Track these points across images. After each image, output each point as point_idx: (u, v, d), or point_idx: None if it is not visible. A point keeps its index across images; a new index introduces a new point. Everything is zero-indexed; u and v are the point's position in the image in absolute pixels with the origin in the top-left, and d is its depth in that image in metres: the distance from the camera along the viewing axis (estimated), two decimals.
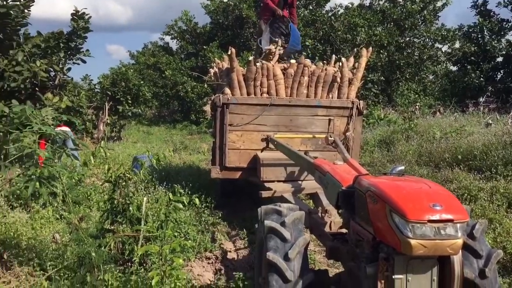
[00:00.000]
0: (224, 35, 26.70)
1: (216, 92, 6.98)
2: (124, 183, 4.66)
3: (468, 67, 21.99)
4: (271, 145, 6.11)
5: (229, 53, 6.08)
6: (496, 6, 17.86)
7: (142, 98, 19.00)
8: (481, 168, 8.10)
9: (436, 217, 2.37)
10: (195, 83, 24.27)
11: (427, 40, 25.15)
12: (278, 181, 5.88)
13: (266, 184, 5.79)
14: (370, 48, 6.67)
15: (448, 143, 9.87)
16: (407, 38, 25.09)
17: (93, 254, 4.08)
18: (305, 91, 6.34)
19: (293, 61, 6.36)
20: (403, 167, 3.25)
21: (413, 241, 2.36)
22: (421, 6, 25.18)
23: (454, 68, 25.23)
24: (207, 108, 6.50)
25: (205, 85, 8.65)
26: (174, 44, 31.03)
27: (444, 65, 25.73)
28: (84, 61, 11.17)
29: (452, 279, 2.55)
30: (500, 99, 15.92)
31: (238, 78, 6.19)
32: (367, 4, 27.50)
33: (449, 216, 2.38)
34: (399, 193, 2.55)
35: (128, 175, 4.74)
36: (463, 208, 2.51)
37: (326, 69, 6.31)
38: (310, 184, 5.74)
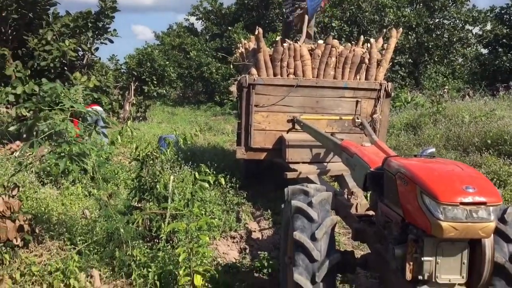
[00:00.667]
0: (249, 16, 26.53)
1: (241, 73, 6.96)
2: (151, 162, 4.72)
3: (500, 49, 21.40)
4: (297, 126, 6.07)
5: (256, 33, 6.03)
6: None
7: (167, 79, 19.12)
8: (511, 153, 7.92)
9: (468, 199, 2.33)
10: (219, 64, 24.26)
11: (457, 21, 24.49)
12: (303, 162, 5.87)
13: (291, 166, 5.78)
14: (400, 29, 6.52)
15: (477, 127, 9.65)
16: (437, 20, 24.49)
17: (122, 230, 4.17)
18: (332, 72, 6.27)
19: (320, 41, 6.28)
20: (433, 149, 3.19)
21: (444, 223, 2.33)
22: None
23: (484, 51, 24.59)
24: (233, 88, 6.49)
25: (230, 67, 8.58)
26: (199, 25, 31.04)
27: (474, 47, 25.07)
28: (111, 41, 11.23)
29: (483, 262, 2.51)
30: None
31: (264, 58, 6.15)
32: None
33: (482, 199, 2.34)
34: (430, 175, 2.51)
35: (155, 154, 4.79)
36: (496, 191, 2.46)
37: (354, 50, 6.20)
38: (335, 166, 5.71)
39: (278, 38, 6.17)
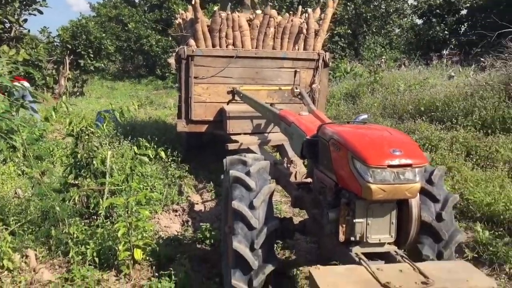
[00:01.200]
0: None
1: (180, 44, 6.81)
2: (87, 137, 4.57)
3: (433, 20, 22.18)
4: (237, 98, 6.07)
5: (193, 3, 5.90)
6: None
7: (104, 52, 18.44)
8: (442, 119, 8.32)
9: (395, 162, 2.43)
10: (159, 37, 23.65)
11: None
12: (245, 133, 5.89)
13: (233, 137, 5.79)
14: None
15: (411, 95, 10.05)
16: None
17: (57, 208, 4.04)
18: (271, 43, 6.26)
19: (259, 11, 6.24)
20: (366, 115, 3.30)
21: (373, 186, 2.42)
22: None
23: (419, 22, 25.40)
24: (172, 60, 6.36)
25: (170, 38, 8.37)
26: None
27: (410, 18, 25.87)
28: (41, 12, 10.65)
29: (410, 222, 2.65)
30: (463, 51, 16.17)
31: (202, 29, 6.04)
32: None
33: (408, 161, 2.45)
34: (360, 140, 2.59)
35: (91, 129, 4.64)
36: (422, 153, 2.58)
37: (292, 20, 6.22)
38: (276, 136, 5.78)
39: (216, 9, 6.06)
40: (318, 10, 6.64)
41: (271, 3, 9.19)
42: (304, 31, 6.21)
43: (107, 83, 22.50)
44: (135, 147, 5.16)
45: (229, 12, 6.17)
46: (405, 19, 25.75)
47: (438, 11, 22.18)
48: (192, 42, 6.09)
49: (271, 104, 5.05)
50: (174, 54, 6.38)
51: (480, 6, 19.42)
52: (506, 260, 3.87)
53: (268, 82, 6.34)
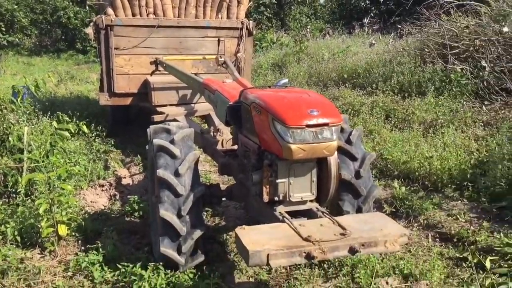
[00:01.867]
0: None
1: (99, 14, 6.52)
2: (0, 112, 4.31)
3: None
4: (161, 69, 5.94)
5: None
6: None
7: (17, 25, 17.25)
8: (363, 85, 8.66)
9: (313, 121, 2.52)
10: (78, 8, 22.39)
11: None
12: (171, 105, 5.80)
13: (159, 109, 5.69)
14: None
15: (335, 63, 10.35)
16: None
17: None
18: (193, 12, 6.15)
19: None
20: (286, 80, 3.36)
21: (293, 146, 2.50)
22: None
23: None
24: (89, 30, 6.07)
25: (89, 10, 7.99)
26: None
27: None
28: None
29: (329, 179, 2.78)
30: (383, 20, 16.77)
31: None
32: None
33: (325, 120, 2.54)
34: (280, 103, 2.65)
35: (4, 104, 4.38)
36: (338, 113, 2.69)
37: None
38: (203, 106, 5.76)
39: None
40: None
41: None
42: None
43: (23, 58, 21.08)
44: (54, 122, 4.95)
45: None
46: None
47: None
48: (110, 11, 5.84)
49: (196, 74, 5.00)
50: (92, 24, 6.09)
51: None
52: (420, 212, 4.18)
53: (192, 52, 6.25)
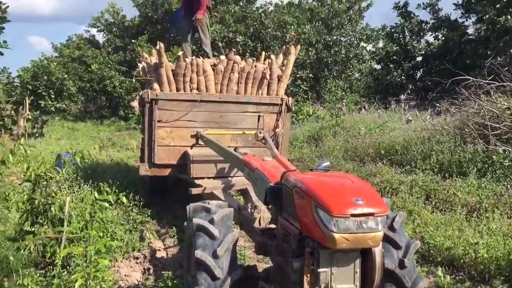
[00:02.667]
0: (154, 29, 26.04)
1: (145, 87, 6.82)
2: (45, 182, 4.43)
3: (391, 65, 23.06)
4: (201, 142, 6.06)
5: (157, 48, 5.95)
6: (416, 8, 18.85)
7: (66, 93, 18.19)
8: (402, 162, 8.55)
9: (358, 211, 2.47)
10: (123, 78, 23.51)
11: (353, 39, 26.16)
12: (208, 177, 5.86)
13: (196, 181, 5.75)
14: (298, 46, 6.81)
15: (372, 138, 10.32)
16: (334, 37, 25.92)
17: (11, 258, 3.85)
18: (235, 88, 6.35)
19: (222, 57, 6.35)
20: (328, 163, 3.35)
21: (337, 235, 2.44)
22: (347, 6, 26.16)
23: (377, 67, 26.37)
24: (135, 103, 6.32)
25: (134, 80, 8.39)
26: (100, 37, 29.83)
27: (369, 63, 26.86)
28: (1, 53, 10.43)
29: (373, 270, 2.67)
30: (419, 96, 16.84)
31: (167, 73, 6.08)
32: (296, 2, 28.16)
33: (370, 210, 2.49)
34: (323, 189, 2.62)
35: (50, 174, 4.51)
36: (383, 202, 2.63)
37: (255, 66, 6.35)
38: (240, 180, 5.77)
39: (180, 53, 6.14)
40: (281, 56, 6.83)
41: (234, 50, 9.23)
42: (268, 76, 6.35)
43: (68, 123, 22.02)
44: (95, 192, 5.03)
45: (194, 57, 6.25)
46: (364, 64, 26.78)
47: (395, 57, 23.09)
48: (156, 86, 6.11)
49: (235, 149, 5.06)
50: (137, 97, 6.36)
51: (434, 53, 20.39)
52: None
53: (232, 126, 6.39)
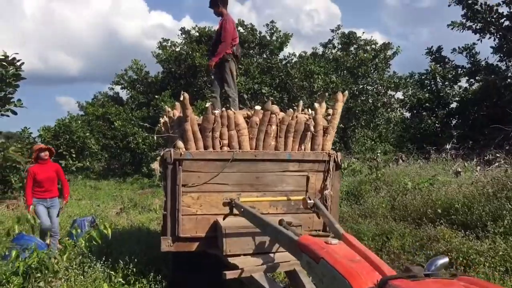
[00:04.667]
0: (177, 84, 25.82)
1: (167, 146, 5.89)
2: (39, 275, 3.41)
3: (424, 113, 21.97)
4: (236, 211, 4.97)
5: (181, 99, 5.06)
6: (451, 53, 17.95)
7: (87, 151, 17.57)
8: (465, 223, 7.32)
9: None
10: (146, 134, 23.01)
11: (380, 87, 25.40)
12: (245, 254, 4.73)
13: (231, 260, 4.63)
14: (346, 92, 5.83)
15: (422, 194, 9.10)
16: (361, 86, 25.21)
17: None
18: (273, 143, 5.35)
19: (258, 107, 5.39)
20: (446, 259, 2.23)
21: None
22: (373, 54, 25.63)
23: (407, 115, 25.30)
24: (156, 165, 5.35)
25: (155, 138, 7.52)
26: (124, 94, 29.79)
27: (398, 111, 25.86)
28: (14, 113, 9.80)
29: None
30: (466, 146, 15.58)
31: (192, 128, 5.15)
32: (320, 53, 27.77)
33: None
34: None
35: (45, 262, 3.49)
36: None
37: (297, 117, 5.36)
38: (285, 257, 4.64)
39: (208, 104, 5.21)
40: (324, 105, 5.84)
41: (260, 101, 8.39)
42: (312, 128, 5.34)
43: (91, 182, 21.35)
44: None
45: (223, 109, 5.31)
46: (393, 112, 25.81)
47: (427, 104, 22.05)
48: (180, 143, 5.16)
49: (280, 222, 3.96)
50: (158, 157, 5.40)
51: (471, 99, 19.27)
52: None
53: (270, 189, 5.33)
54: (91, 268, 5.38)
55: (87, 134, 17.95)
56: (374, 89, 25.74)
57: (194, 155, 5.13)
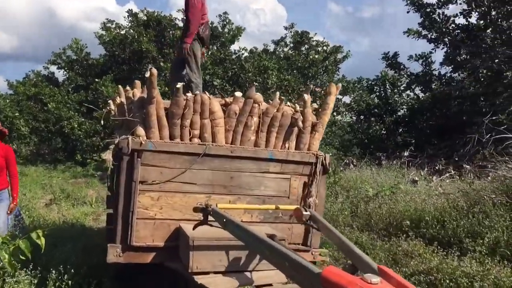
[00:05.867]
0: (120, 69, 24.13)
1: (118, 132, 4.85)
2: None
3: (372, 119, 21.90)
4: (214, 221, 4.01)
5: (148, 75, 4.06)
6: (408, 59, 17.82)
7: (15, 133, 15.77)
8: (437, 239, 6.81)
9: None
10: (83, 119, 21.26)
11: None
12: (216, 272, 3.83)
13: (198, 279, 3.70)
14: (339, 84, 5.07)
15: (388, 203, 8.57)
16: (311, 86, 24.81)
17: None
18: (253, 137, 4.47)
19: (238, 94, 4.49)
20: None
21: None
22: (324, 56, 25.44)
23: (347, 119, 25.24)
24: (108, 155, 4.30)
25: (100, 122, 6.39)
26: (60, 75, 27.49)
27: (345, 115, 25.75)
28: None
29: None
30: (420, 155, 15.42)
31: (158, 113, 4.16)
32: (272, 50, 27.17)
33: None
34: None
35: None
36: None
37: (283, 109, 4.52)
38: (267, 277, 3.80)
39: (180, 85, 4.22)
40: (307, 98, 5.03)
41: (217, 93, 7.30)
42: (300, 123, 4.51)
43: (17, 167, 19.40)
44: None
45: (198, 93, 4.36)
46: (339, 116, 25.68)
47: (376, 110, 22.00)
48: (140, 130, 4.16)
49: (272, 236, 3.09)
50: (111, 146, 4.35)
51: (419, 108, 19.30)
52: None
53: (246, 192, 4.45)
54: (13, 280, 4.25)
55: (16, 114, 16.10)
56: (323, 91, 25.49)
57: (157, 146, 4.15)
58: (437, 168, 14.59)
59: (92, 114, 19.69)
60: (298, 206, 3.80)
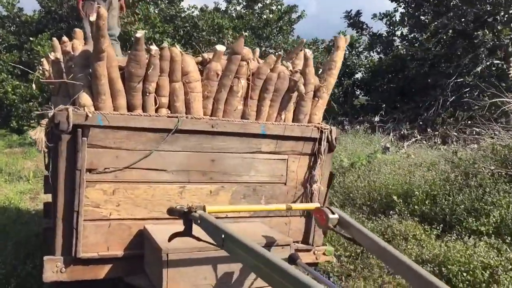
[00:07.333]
0: (57, 27, 21.95)
1: (56, 101, 3.62)
2: None
3: None
4: (197, 230, 2.91)
5: (91, 18, 2.82)
6: (372, 19, 16.94)
7: None
8: (430, 216, 6.09)
9: None
10: (18, 82, 19.25)
11: (283, 51, 24.27)
12: None
13: None
14: (348, 36, 3.99)
15: (368, 175, 7.76)
16: (263, 48, 23.82)
17: None
18: (240, 107, 3.37)
19: (220, 47, 3.32)
20: None
21: None
22: (278, 16, 24.37)
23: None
24: (39, 134, 3.05)
25: (33, 86, 5.08)
26: None
27: None
28: None
29: None
30: (389, 119, 14.79)
31: (110, 74, 2.95)
32: (223, 9, 25.67)
33: None
34: None
35: None
36: None
37: (277, 68, 3.41)
38: None
39: (140, 34, 3.01)
40: (300, 56, 3.96)
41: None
42: (301, 87, 3.43)
43: None
44: None
45: (166, 45, 3.15)
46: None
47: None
48: (85, 98, 2.95)
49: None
50: (44, 120, 3.11)
51: (379, 70, 18.68)
52: None
53: (232, 179, 3.37)
54: None
55: None
56: (277, 53, 24.48)
57: (111, 120, 2.96)
58: (402, 133, 14.10)
59: (28, 76, 17.80)
60: (320, 205, 2.79)
